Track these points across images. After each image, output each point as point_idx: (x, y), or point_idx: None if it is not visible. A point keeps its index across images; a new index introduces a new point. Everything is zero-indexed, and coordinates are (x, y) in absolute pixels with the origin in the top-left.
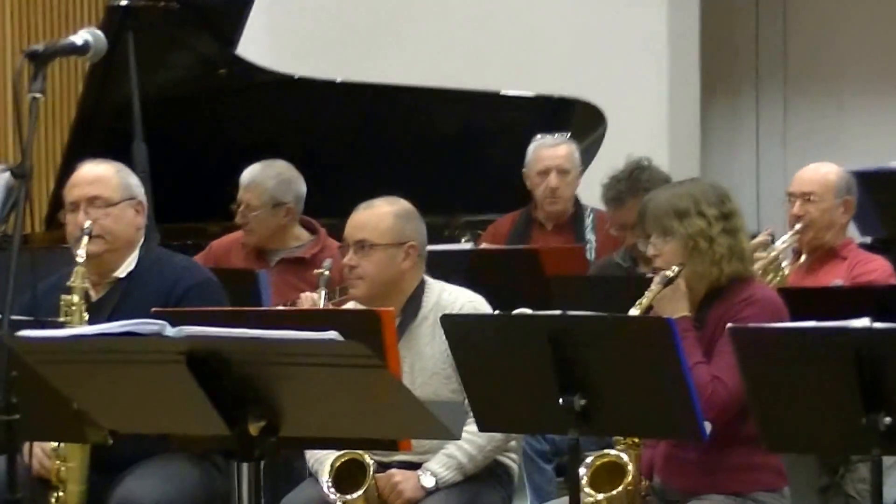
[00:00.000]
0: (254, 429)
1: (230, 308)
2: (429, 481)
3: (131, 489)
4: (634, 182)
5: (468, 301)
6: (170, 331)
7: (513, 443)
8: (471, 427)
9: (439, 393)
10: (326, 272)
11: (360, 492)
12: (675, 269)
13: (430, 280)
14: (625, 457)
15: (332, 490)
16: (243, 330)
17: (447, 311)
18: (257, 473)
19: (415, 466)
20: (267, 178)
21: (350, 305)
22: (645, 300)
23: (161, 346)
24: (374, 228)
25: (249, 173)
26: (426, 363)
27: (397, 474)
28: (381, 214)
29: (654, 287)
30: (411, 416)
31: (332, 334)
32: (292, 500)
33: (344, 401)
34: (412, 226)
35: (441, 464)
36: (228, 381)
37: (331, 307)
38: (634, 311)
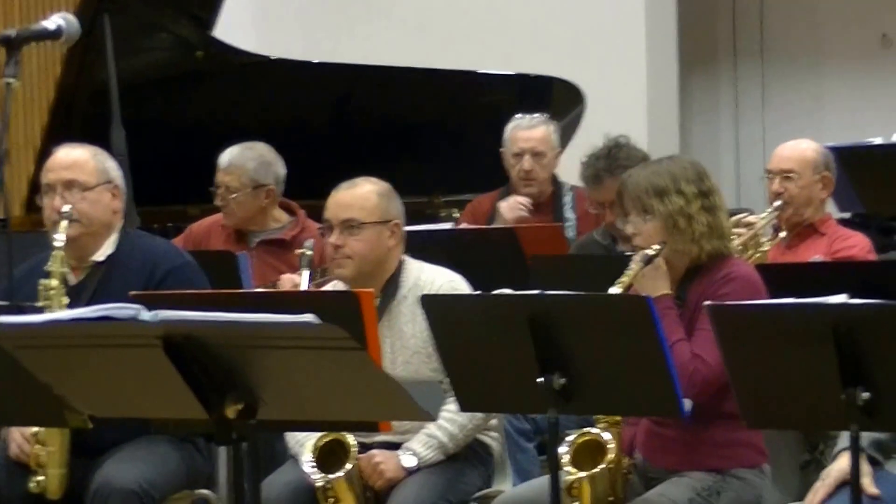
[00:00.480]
0: (231, 412)
1: (208, 291)
2: (410, 461)
3: (112, 472)
4: (612, 160)
5: (447, 281)
6: (146, 315)
7: (494, 421)
8: (451, 406)
9: (420, 372)
10: (309, 252)
11: (343, 472)
12: (656, 247)
13: (408, 259)
14: (606, 435)
15: (315, 470)
16: (219, 314)
17: (426, 291)
18: (237, 456)
19: (396, 446)
20: (247, 160)
21: (331, 286)
22: (625, 279)
23: (137, 330)
24: (361, 207)
25: (228, 155)
26: (407, 342)
27: (378, 455)
28: (366, 193)
29: (634, 266)
30: (389, 399)
31: (310, 317)
32: (273, 482)
33: (322, 383)
34: (394, 204)
35: (422, 443)
36: (205, 365)
37: (313, 288)
38: (615, 290)
